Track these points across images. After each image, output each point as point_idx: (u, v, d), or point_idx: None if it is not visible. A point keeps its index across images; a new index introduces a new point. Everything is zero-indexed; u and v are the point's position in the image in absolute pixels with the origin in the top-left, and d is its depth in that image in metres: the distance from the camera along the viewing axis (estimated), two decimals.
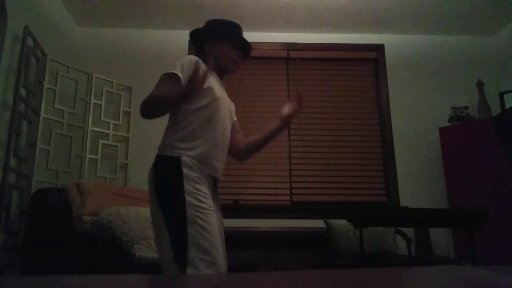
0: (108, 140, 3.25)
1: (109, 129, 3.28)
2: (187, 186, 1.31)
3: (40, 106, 2.77)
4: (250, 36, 3.68)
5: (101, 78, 3.28)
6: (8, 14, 2.45)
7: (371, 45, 3.73)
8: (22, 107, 2.59)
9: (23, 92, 2.59)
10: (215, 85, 1.47)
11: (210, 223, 1.29)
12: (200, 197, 1.31)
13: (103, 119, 3.24)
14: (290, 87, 3.65)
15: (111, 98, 3.36)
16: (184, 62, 1.42)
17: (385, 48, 3.72)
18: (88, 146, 3.08)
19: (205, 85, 1.39)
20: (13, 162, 2.47)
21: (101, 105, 3.24)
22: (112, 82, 3.37)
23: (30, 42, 2.68)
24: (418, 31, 3.72)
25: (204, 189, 1.36)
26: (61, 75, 2.97)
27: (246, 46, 1.63)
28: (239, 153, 1.69)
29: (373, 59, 3.74)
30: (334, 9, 3.37)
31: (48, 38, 3.01)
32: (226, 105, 1.52)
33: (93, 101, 3.19)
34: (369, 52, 3.73)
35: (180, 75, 1.38)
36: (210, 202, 1.35)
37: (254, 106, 3.54)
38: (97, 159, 3.13)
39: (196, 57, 1.47)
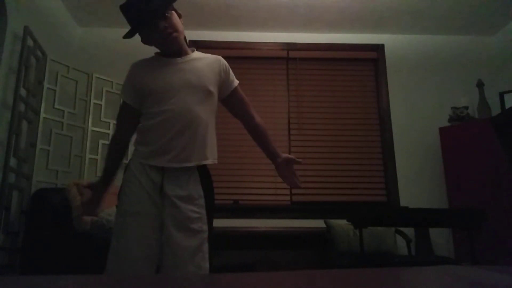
0: (108, 140, 3.25)
1: (109, 129, 3.28)
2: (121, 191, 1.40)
3: (40, 106, 2.77)
4: (250, 36, 3.72)
5: (101, 78, 3.28)
6: (8, 14, 2.45)
7: (371, 45, 3.73)
8: (22, 107, 2.59)
9: (23, 92, 2.59)
10: (150, 75, 1.36)
11: (122, 229, 1.31)
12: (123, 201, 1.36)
13: (103, 119, 3.24)
14: (290, 87, 3.65)
15: (111, 98, 3.36)
16: (125, 80, 1.42)
17: (385, 48, 3.72)
18: (88, 146, 3.08)
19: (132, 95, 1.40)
20: (13, 162, 2.46)
21: (101, 105, 3.24)
22: (112, 82, 3.37)
23: (30, 42, 2.67)
24: (418, 31, 3.72)
25: (135, 188, 1.34)
26: (61, 75, 2.97)
27: (143, 13, 1.33)
28: (247, 127, 1.64)
29: (373, 59, 3.74)
30: (334, 9, 3.37)
31: (48, 38, 3.01)
32: (174, 86, 1.34)
33: (93, 101, 3.19)
34: (369, 52, 3.73)
35: (126, 100, 1.40)
36: (132, 204, 1.32)
37: (253, 106, 3.53)
38: (97, 159, 3.13)
39: (134, 63, 1.43)
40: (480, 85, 3.28)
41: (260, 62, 3.69)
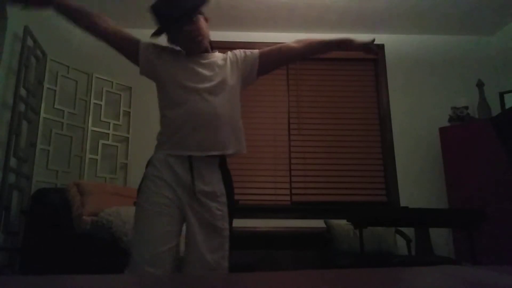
0: (108, 140, 3.25)
1: (109, 129, 3.28)
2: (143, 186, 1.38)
3: (40, 106, 2.77)
4: (250, 36, 3.72)
5: (101, 78, 3.28)
6: (8, 14, 2.45)
7: None
8: (22, 107, 2.59)
9: (23, 92, 2.59)
10: (171, 65, 1.42)
11: (141, 219, 1.31)
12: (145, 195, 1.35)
13: (103, 119, 3.24)
14: (290, 87, 3.65)
15: (111, 98, 3.36)
16: (152, 43, 1.48)
17: (385, 48, 3.72)
18: (88, 146, 3.08)
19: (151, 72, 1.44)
20: (13, 162, 2.46)
21: (101, 105, 3.24)
22: (112, 82, 3.37)
23: (30, 42, 2.67)
24: (418, 31, 3.72)
25: (157, 183, 1.34)
26: (61, 75, 2.97)
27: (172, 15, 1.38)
28: (298, 58, 1.65)
29: (373, 59, 3.73)
30: (334, 9, 3.37)
31: (48, 38, 3.01)
32: (196, 80, 1.38)
33: (93, 101, 3.19)
34: None
35: (141, 48, 1.45)
36: (153, 200, 1.32)
37: (253, 106, 3.54)
38: (97, 159, 3.13)
39: (170, 48, 1.49)
40: (480, 85, 3.28)
41: None
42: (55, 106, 2.89)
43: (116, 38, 1.47)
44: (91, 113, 3.15)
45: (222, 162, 1.41)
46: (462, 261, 2.85)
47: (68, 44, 3.47)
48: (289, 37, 3.74)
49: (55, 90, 2.90)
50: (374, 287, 0.50)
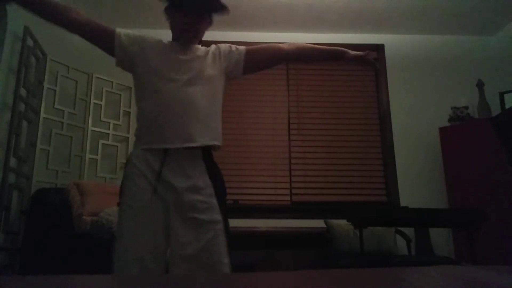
0: (108, 140, 3.25)
1: (109, 129, 3.28)
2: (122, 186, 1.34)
3: (40, 106, 2.77)
4: (250, 36, 3.72)
5: (101, 78, 3.28)
6: (8, 14, 2.45)
7: (371, 45, 3.73)
8: (22, 107, 2.59)
9: (23, 92, 2.59)
10: (159, 55, 1.39)
11: (126, 225, 1.26)
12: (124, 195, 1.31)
13: (103, 119, 3.24)
14: (290, 87, 3.65)
15: (111, 98, 3.36)
16: (132, 32, 1.45)
17: (385, 48, 3.72)
18: (88, 146, 3.08)
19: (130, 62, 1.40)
20: (13, 162, 2.46)
21: (101, 105, 3.24)
22: (112, 82, 3.37)
23: (30, 42, 2.67)
24: (418, 31, 3.72)
25: (136, 181, 1.29)
26: (61, 75, 2.97)
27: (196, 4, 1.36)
28: (286, 59, 1.59)
29: (373, 59, 3.73)
30: (334, 9, 3.37)
31: (48, 38, 3.01)
32: (175, 69, 1.36)
33: (93, 101, 3.19)
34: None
35: (116, 36, 1.40)
36: (136, 199, 1.27)
37: (253, 106, 3.54)
38: (97, 159, 3.13)
39: (147, 37, 1.46)
40: (480, 85, 3.28)
41: None
42: (55, 106, 2.89)
43: (90, 29, 1.42)
44: (91, 113, 3.15)
45: (205, 155, 1.32)
46: (462, 261, 2.85)
47: (68, 44, 3.46)
48: (289, 37, 3.76)
49: (55, 90, 2.90)
50: (374, 287, 0.50)
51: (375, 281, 0.55)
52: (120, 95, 3.40)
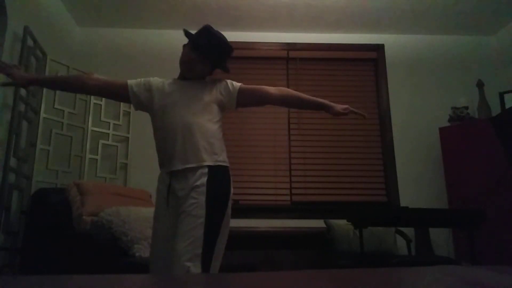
0: (108, 140, 3.25)
1: (109, 129, 3.28)
2: None
3: (40, 106, 2.77)
4: (250, 36, 3.72)
5: None
6: (8, 14, 2.45)
7: (371, 45, 3.73)
8: (22, 107, 2.59)
9: (23, 92, 2.59)
10: (162, 94, 1.59)
11: (152, 233, 1.56)
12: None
13: (103, 119, 3.24)
14: (290, 87, 3.65)
15: None
16: (142, 80, 1.67)
17: (385, 48, 3.72)
18: (88, 146, 3.08)
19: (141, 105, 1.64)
20: (13, 162, 2.46)
21: (101, 105, 3.24)
22: None
23: (30, 42, 2.67)
24: (418, 31, 3.72)
25: (158, 196, 1.57)
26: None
27: (200, 41, 1.59)
28: (272, 103, 1.74)
29: (373, 59, 3.74)
30: (334, 9, 3.37)
31: (48, 38, 3.01)
32: (175, 101, 1.56)
33: (93, 101, 3.19)
34: (369, 52, 3.72)
35: (132, 86, 1.62)
36: (157, 210, 1.56)
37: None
38: (97, 159, 3.13)
39: (154, 80, 1.66)
40: (480, 85, 3.28)
41: (260, 62, 3.69)
42: (55, 106, 2.89)
43: (107, 91, 1.65)
44: (91, 113, 3.15)
45: (210, 169, 1.49)
46: (462, 261, 2.85)
47: (68, 44, 3.47)
48: (289, 37, 3.76)
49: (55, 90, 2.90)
50: (374, 287, 0.50)
51: (375, 281, 0.55)
52: None
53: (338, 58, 3.72)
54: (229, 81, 1.64)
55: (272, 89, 1.67)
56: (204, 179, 1.45)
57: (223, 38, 1.62)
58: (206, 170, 1.46)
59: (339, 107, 1.69)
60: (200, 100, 1.55)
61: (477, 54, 3.72)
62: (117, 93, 1.63)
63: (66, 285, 0.51)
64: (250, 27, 3.62)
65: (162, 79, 1.66)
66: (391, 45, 3.73)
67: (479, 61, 3.69)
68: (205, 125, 1.52)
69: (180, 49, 1.67)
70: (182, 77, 1.64)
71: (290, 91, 1.71)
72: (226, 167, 1.54)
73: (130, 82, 1.62)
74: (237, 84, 1.64)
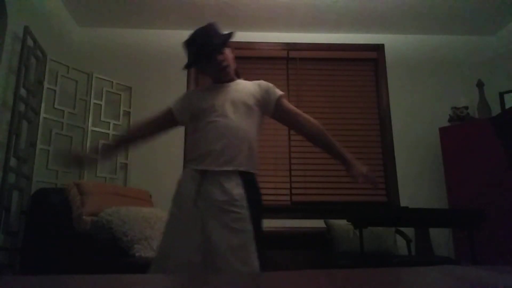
0: (108, 140, 3.25)
1: (109, 129, 3.28)
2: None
3: (40, 106, 2.77)
4: (250, 36, 3.72)
5: (101, 78, 3.28)
6: (8, 14, 2.45)
7: (371, 45, 3.73)
8: (22, 107, 2.59)
9: (23, 92, 2.59)
10: (201, 98, 1.58)
11: (169, 231, 1.46)
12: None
13: (103, 119, 3.24)
14: (290, 87, 3.65)
15: (111, 98, 3.36)
16: (181, 97, 1.65)
17: (385, 48, 3.72)
18: (88, 146, 3.08)
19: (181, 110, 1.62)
20: (13, 162, 2.46)
21: (101, 105, 3.24)
22: (112, 82, 3.37)
23: (30, 42, 2.67)
24: (418, 31, 3.72)
25: (182, 192, 1.48)
26: (61, 75, 2.97)
27: (205, 50, 1.55)
28: (300, 133, 1.74)
29: (373, 59, 3.74)
30: (334, 9, 3.37)
31: (48, 38, 3.01)
32: (219, 102, 1.54)
33: (93, 101, 3.19)
34: (369, 52, 3.72)
35: (174, 109, 1.60)
36: (179, 207, 1.47)
37: None
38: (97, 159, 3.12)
39: (192, 90, 1.67)
40: (480, 85, 3.28)
41: (260, 62, 3.69)
42: (55, 106, 2.89)
43: (160, 129, 1.65)
44: (91, 113, 3.15)
45: (243, 176, 1.45)
46: (462, 261, 2.85)
47: (68, 44, 3.47)
48: (289, 37, 3.76)
49: (55, 90, 2.90)
50: (374, 287, 0.50)
51: (375, 281, 0.55)
52: (120, 95, 3.40)
53: (338, 58, 3.72)
54: (267, 84, 1.63)
55: (311, 121, 1.69)
56: (241, 190, 1.42)
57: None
58: (240, 178, 1.44)
59: (359, 170, 1.69)
60: (242, 99, 1.53)
61: (477, 54, 3.72)
62: (167, 126, 1.63)
63: (66, 285, 0.51)
64: (250, 27, 3.62)
65: (198, 87, 1.69)
66: (391, 45, 3.73)
67: (479, 61, 3.69)
68: (249, 129, 1.51)
69: (180, 49, 1.66)
70: (218, 80, 1.61)
71: (323, 130, 1.73)
72: (256, 174, 1.52)
73: (173, 106, 1.61)
74: (278, 93, 1.61)
